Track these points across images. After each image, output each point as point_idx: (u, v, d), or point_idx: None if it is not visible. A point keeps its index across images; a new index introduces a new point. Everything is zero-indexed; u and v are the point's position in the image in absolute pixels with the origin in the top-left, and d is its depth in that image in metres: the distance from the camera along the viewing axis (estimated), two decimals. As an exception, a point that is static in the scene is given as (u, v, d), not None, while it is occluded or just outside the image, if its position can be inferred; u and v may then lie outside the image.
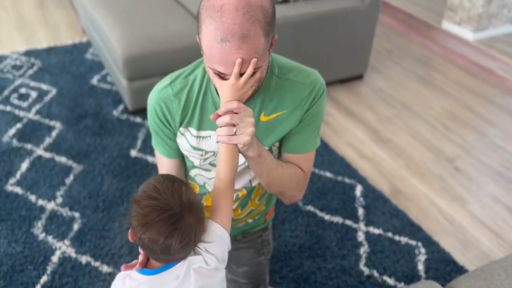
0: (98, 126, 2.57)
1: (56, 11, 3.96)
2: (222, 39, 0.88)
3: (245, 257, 1.43)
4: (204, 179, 1.25)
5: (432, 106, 2.85)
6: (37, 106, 2.72)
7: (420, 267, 1.85)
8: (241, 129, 0.95)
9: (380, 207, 2.11)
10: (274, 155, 1.19)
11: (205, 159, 1.18)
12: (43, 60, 3.17)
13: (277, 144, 1.18)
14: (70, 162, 2.31)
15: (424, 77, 3.16)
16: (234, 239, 1.40)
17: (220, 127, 0.96)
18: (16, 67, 3.10)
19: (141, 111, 2.67)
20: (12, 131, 2.52)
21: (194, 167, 1.23)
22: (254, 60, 0.92)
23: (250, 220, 1.38)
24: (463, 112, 2.80)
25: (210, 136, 1.14)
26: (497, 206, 2.16)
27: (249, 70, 0.93)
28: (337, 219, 2.04)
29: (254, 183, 1.25)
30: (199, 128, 1.13)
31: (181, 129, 1.14)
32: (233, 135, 0.95)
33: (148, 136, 2.51)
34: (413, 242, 1.95)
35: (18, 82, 2.94)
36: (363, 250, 1.91)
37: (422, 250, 1.92)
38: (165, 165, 1.23)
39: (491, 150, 2.50)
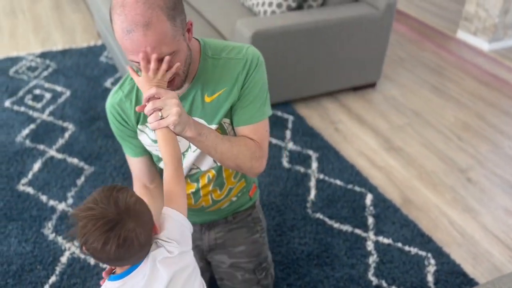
0: (110, 129, 2.58)
1: (72, 14, 4.01)
2: (128, 30, 0.94)
3: (240, 237, 1.47)
4: None
5: (445, 116, 2.82)
6: (51, 108, 2.75)
7: (430, 278, 1.82)
8: (166, 112, 0.98)
9: (391, 216, 2.09)
10: (229, 132, 1.23)
11: None
12: (58, 62, 3.21)
13: (227, 121, 1.22)
14: (81, 164, 2.33)
15: (437, 86, 3.13)
16: (225, 221, 1.46)
17: (149, 115, 1.00)
18: (32, 69, 3.14)
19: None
20: (25, 131, 2.55)
21: (160, 160, 1.28)
22: (167, 58, 0.98)
23: (233, 198, 1.42)
24: (477, 122, 2.77)
25: None
26: (509, 219, 2.12)
27: (163, 66, 0.98)
28: (347, 228, 2.02)
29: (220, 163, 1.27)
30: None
31: (139, 126, 1.21)
32: (161, 119, 0.98)
33: (159, 140, 2.52)
34: (423, 253, 1.92)
35: (33, 83, 2.98)
36: (372, 259, 1.89)
37: (432, 261, 1.89)
38: (134, 164, 1.30)
39: (505, 162, 2.46)
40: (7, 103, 2.78)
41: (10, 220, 2.01)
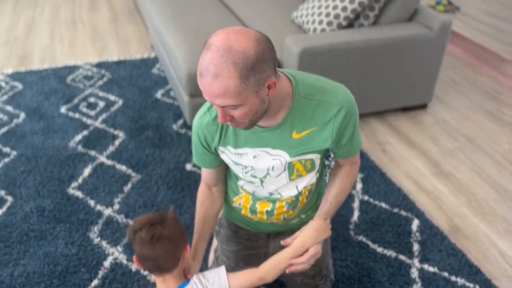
0: (158, 138, 2.65)
1: (128, 26, 4.17)
2: (201, 74, 1.01)
3: None
4: (252, 188, 1.37)
5: (499, 143, 2.70)
6: (104, 115, 2.85)
7: (478, 313, 1.73)
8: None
9: (437, 244, 2.01)
10: (318, 164, 1.31)
11: (246, 173, 1.31)
12: (112, 72, 3.34)
13: (318, 156, 1.28)
14: (129, 171, 2.39)
15: (492, 111, 3.01)
16: (292, 232, 1.46)
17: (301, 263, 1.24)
18: (88, 77, 3.28)
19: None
20: (78, 137, 2.65)
21: (240, 178, 1.37)
22: None
23: (303, 216, 1.48)
24: (534, 151, 2.64)
25: (246, 153, 1.26)
26: None
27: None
28: (390, 253, 1.96)
29: (300, 189, 1.36)
30: (236, 146, 1.26)
31: (220, 147, 1.28)
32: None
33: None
34: (470, 285, 1.83)
35: (88, 91, 3.11)
36: (416, 288, 1.82)
37: (481, 294, 1.80)
38: (204, 171, 1.43)
39: None
40: (63, 109, 2.91)
41: (59, 222, 2.09)
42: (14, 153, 2.52)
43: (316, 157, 1.27)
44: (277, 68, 1.11)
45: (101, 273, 1.85)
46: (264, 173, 1.29)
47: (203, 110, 1.28)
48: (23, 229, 2.05)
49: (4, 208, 2.16)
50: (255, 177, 1.31)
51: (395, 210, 2.18)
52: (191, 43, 2.67)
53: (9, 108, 2.92)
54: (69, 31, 4.07)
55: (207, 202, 1.44)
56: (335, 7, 2.60)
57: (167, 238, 1.15)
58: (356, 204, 2.21)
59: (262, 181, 1.32)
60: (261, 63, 1.01)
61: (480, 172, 2.47)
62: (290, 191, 1.35)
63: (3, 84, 3.18)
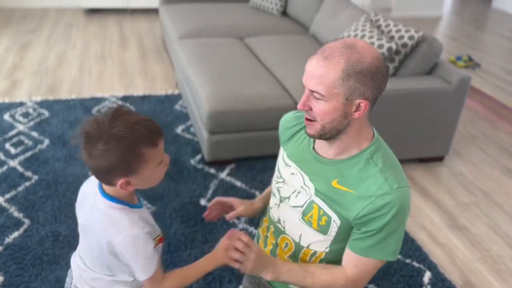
0: (175, 172, 2.70)
1: (156, 65, 4.33)
2: (314, 54, 1.07)
3: None
4: (271, 203, 1.33)
5: (517, 200, 2.68)
6: (124, 147, 2.92)
7: None
8: (246, 260, 1.16)
9: (449, 298, 1.97)
10: (332, 234, 1.19)
11: (276, 182, 1.29)
12: (137, 106, 3.45)
13: (338, 222, 1.16)
14: (144, 202, 2.43)
15: (510, 168, 2.99)
16: None
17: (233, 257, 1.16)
18: (112, 110, 3.38)
19: (217, 163, 2.77)
20: (98, 166, 2.71)
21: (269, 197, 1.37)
22: None
23: None
24: (552, 210, 2.60)
25: (290, 166, 1.24)
26: None
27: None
28: (401, 303, 1.93)
29: (302, 242, 1.26)
30: (289, 157, 1.26)
31: (282, 146, 1.30)
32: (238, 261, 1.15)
33: (218, 187, 2.59)
34: None
35: (111, 123, 3.20)
36: None
37: None
38: None
39: None
40: (86, 139, 2.99)
41: (72, 248, 2.07)
42: (35, 177, 2.59)
43: (335, 220, 1.16)
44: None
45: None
46: (289, 194, 1.25)
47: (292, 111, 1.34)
48: (37, 252, 2.08)
49: (21, 231, 2.20)
50: (279, 192, 1.27)
51: (408, 260, 2.16)
52: (215, 83, 2.77)
53: (34, 133, 3.02)
54: (98, 65, 4.24)
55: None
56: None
57: (95, 161, 1.00)
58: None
59: (281, 201, 1.27)
60: (368, 75, 1.02)
61: (496, 228, 2.44)
62: (293, 231, 1.25)
63: (31, 110, 3.31)
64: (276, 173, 1.31)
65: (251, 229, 2.31)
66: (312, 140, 1.22)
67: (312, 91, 1.06)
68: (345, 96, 1.04)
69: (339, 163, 1.14)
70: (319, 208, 1.17)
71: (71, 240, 2.15)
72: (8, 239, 2.15)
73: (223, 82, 2.78)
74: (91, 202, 1.12)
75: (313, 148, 1.21)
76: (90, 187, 1.16)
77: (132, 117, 1.03)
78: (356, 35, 2.76)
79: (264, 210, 1.39)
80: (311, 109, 1.08)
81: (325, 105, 1.05)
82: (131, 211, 1.10)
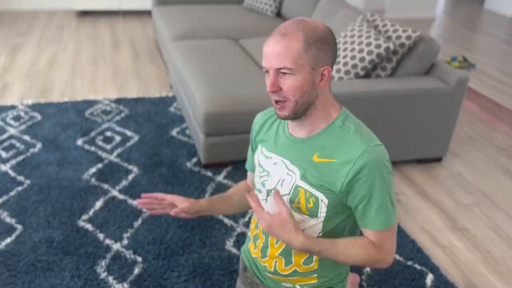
0: (171, 175, 2.65)
1: (149, 66, 4.28)
2: (269, 37, 1.11)
3: None
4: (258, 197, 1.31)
5: (516, 200, 2.66)
6: (119, 150, 2.87)
7: None
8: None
9: (453, 301, 1.94)
10: (321, 215, 1.18)
11: (260, 177, 1.28)
12: (130, 109, 3.39)
13: (325, 201, 1.16)
14: (140, 206, 2.38)
15: (509, 168, 2.98)
16: None
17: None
18: (106, 112, 3.33)
19: (213, 166, 2.73)
20: (93, 170, 2.66)
21: (254, 186, 1.36)
22: None
23: (298, 286, 1.30)
24: (551, 210, 2.58)
25: (271, 158, 1.25)
26: None
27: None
28: (404, 307, 1.89)
29: None
30: (269, 149, 1.27)
31: (259, 144, 1.31)
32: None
33: (215, 190, 2.54)
34: None
35: (105, 126, 3.15)
36: None
37: None
38: (249, 177, 1.44)
39: None
40: (79, 142, 2.94)
41: (67, 254, 2.06)
42: (27, 182, 2.53)
43: (322, 199, 1.16)
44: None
45: (105, 310, 1.80)
46: (274, 184, 1.24)
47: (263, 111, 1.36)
48: (31, 259, 2.02)
49: (13, 237, 2.14)
50: (263, 186, 1.27)
51: (409, 263, 2.12)
52: (210, 84, 2.72)
53: (26, 137, 2.96)
54: (90, 67, 4.18)
55: (243, 187, 1.45)
56: (353, 57, 2.65)
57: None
58: (369, 254, 2.15)
59: (268, 194, 1.26)
60: (325, 42, 1.10)
61: (496, 229, 2.42)
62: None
63: (22, 114, 3.24)
64: (258, 169, 1.31)
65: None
66: (286, 126, 1.25)
67: (279, 69, 1.09)
68: (310, 66, 1.09)
69: (315, 138, 1.18)
70: (305, 190, 1.18)
71: (65, 246, 2.10)
72: (0, 246, 2.09)
73: (218, 83, 2.74)
74: None
75: (289, 133, 1.24)
76: None
77: None
78: (353, 35, 2.73)
79: (209, 210, 1.37)
80: (281, 89, 1.11)
81: (295, 79, 1.09)
82: None
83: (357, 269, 2.06)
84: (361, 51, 2.63)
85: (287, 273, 1.29)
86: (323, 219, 1.19)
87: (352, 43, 2.70)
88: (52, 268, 1.98)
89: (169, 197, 1.35)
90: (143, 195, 1.29)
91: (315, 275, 1.28)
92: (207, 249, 2.14)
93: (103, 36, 5.01)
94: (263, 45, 1.13)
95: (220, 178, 2.67)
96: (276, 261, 1.29)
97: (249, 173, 1.46)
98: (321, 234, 1.21)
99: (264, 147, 1.30)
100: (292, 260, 1.27)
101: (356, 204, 1.15)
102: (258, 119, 1.37)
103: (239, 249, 2.15)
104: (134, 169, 2.69)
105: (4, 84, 3.74)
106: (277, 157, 1.24)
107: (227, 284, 1.96)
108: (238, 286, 1.50)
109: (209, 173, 2.70)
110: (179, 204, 1.34)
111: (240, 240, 2.22)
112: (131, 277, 1.96)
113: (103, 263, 2.02)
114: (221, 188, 2.57)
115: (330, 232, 1.22)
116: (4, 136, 2.96)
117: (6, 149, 2.82)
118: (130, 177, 2.62)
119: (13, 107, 3.32)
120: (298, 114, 1.14)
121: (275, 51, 1.08)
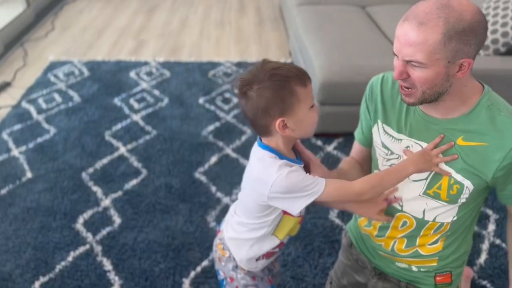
0: (283, 140, 2.70)
1: (271, 32, 4.34)
2: (405, 18, 0.97)
3: None
4: None
5: None
6: (235, 111, 3.00)
7: None
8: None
9: None
10: (463, 202, 1.11)
11: (387, 160, 1.19)
12: (250, 72, 3.49)
13: (471, 188, 1.08)
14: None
15: None
16: (397, 283, 1.30)
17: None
18: (227, 74, 3.48)
19: (324, 135, 2.72)
20: (211, 127, 2.82)
21: (375, 166, 1.25)
22: None
23: (414, 268, 1.26)
24: None
25: (401, 140, 1.15)
26: None
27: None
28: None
29: (427, 217, 1.16)
30: (398, 130, 1.17)
31: (379, 121, 1.21)
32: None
33: (324, 160, 2.54)
34: None
35: (225, 87, 3.30)
36: None
37: None
38: (354, 145, 1.36)
39: None
40: (201, 100, 3.12)
41: (182, 201, 2.24)
42: (154, 132, 2.77)
43: (468, 186, 1.08)
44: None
45: (211, 256, 1.94)
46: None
47: (381, 74, 1.23)
48: (151, 200, 2.24)
49: (139, 179, 2.39)
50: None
51: None
52: (330, 53, 2.68)
53: (156, 92, 3.22)
54: (217, 30, 4.36)
55: (354, 165, 1.33)
56: (494, 31, 2.41)
57: (252, 102, 1.03)
58: (485, 246, 2.01)
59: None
60: (470, 33, 0.94)
61: None
62: (414, 207, 1.16)
63: (154, 70, 3.52)
64: (382, 150, 1.20)
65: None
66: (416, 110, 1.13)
67: (409, 61, 0.98)
68: (447, 60, 0.96)
69: (457, 121, 1.07)
70: (450, 177, 1.09)
71: (181, 194, 2.28)
72: (127, 186, 2.34)
73: (339, 52, 2.69)
74: (252, 156, 1.17)
75: (421, 111, 1.12)
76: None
77: (279, 62, 1.07)
78: (497, 7, 2.47)
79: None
80: (409, 76, 1.01)
81: (425, 71, 0.98)
82: (288, 163, 1.08)
83: (469, 261, 1.94)
84: (504, 24, 2.38)
85: (407, 253, 1.25)
86: (461, 204, 1.12)
87: (495, 15, 2.45)
88: (169, 211, 2.17)
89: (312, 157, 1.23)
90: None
91: (437, 258, 1.24)
92: (311, 216, 2.17)
93: (231, 1, 5.17)
94: (398, 24, 1.00)
95: (330, 148, 2.66)
96: (395, 241, 1.24)
97: (357, 145, 1.34)
98: (455, 218, 1.15)
99: (388, 126, 1.18)
100: (416, 243, 1.22)
101: (506, 187, 1.08)
102: (376, 85, 1.22)
103: (342, 220, 2.15)
104: (248, 131, 2.79)
105: (140, 42, 4.08)
106: (411, 140, 1.14)
107: (327, 252, 1.98)
108: (341, 260, 1.47)
109: (319, 142, 2.70)
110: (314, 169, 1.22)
111: (344, 212, 2.21)
112: (237, 230, 2.07)
113: (213, 213, 2.17)
114: (329, 159, 2.57)
115: (464, 217, 1.16)
116: (137, 89, 3.26)
117: (138, 101, 3.10)
118: (243, 137, 2.73)
119: (146, 63, 3.63)
120: (426, 102, 1.05)
121: (408, 39, 0.95)
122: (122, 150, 2.61)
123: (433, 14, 0.93)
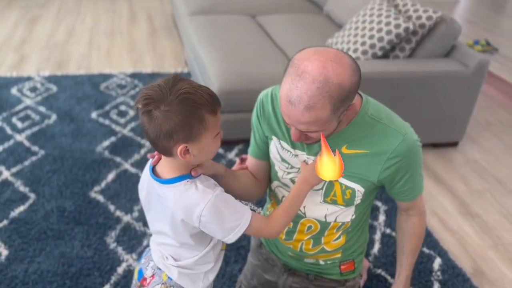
0: (183, 151, 2.65)
1: (165, 41, 4.26)
2: (290, 102, 0.96)
3: None
4: (283, 193, 1.30)
5: (531, 188, 2.61)
6: (132, 124, 2.89)
7: None
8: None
9: (459, 285, 1.93)
10: (358, 201, 1.22)
11: (288, 173, 1.25)
12: (145, 83, 3.40)
13: (361, 189, 1.19)
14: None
15: (526, 155, 2.92)
16: (306, 276, 1.40)
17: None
18: (121, 86, 3.34)
19: (225, 143, 2.73)
20: (106, 143, 2.69)
21: (275, 179, 1.30)
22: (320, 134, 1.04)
23: (321, 262, 1.37)
24: None
25: (298, 156, 1.21)
26: None
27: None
28: (409, 290, 1.89)
29: (329, 220, 1.26)
30: (293, 147, 1.21)
31: (274, 137, 1.24)
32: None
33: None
34: (493, 333, 1.74)
35: (120, 99, 3.16)
36: (434, 329, 1.74)
37: None
38: (248, 159, 1.37)
39: None
40: (93, 115, 2.96)
41: (78, 224, 2.10)
42: (42, 152, 2.57)
43: (359, 190, 1.18)
44: None
45: (113, 279, 1.84)
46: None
47: (270, 88, 1.27)
48: (42, 227, 2.07)
49: (26, 205, 2.19)
50: (293, 182, 1.24)
51: (418, 246, 2.11)
52: (225, 61, 2.70)
53: (42, 108, 2.99)
54: (107, 40, 4.18)
55: (248, 179, 1.33)
56: (371, 37, 2.59)
57: (156, 123, 0.97)
58: (377, 236, 2.15)
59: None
60: (352, 94, 0.99)
61: (508, 216, 2.38)
62: (316, 213, 1.25)
63: (38, 85, 3.27)
64: (282, 164, 1.26)
65: (259, 210, 2.27)
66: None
67: (305, 132, 1.04)
68: (338, 119, 1.03)
69: (341, 134, 1.15)
70: (340, 184, 1.18)
71: (76, 216, 2.14)
72: (14, 213, 2.14)
73: (233, 60, 2.72)
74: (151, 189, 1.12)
75: None
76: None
77: (192, 83, 1.00)
78: (372, 14, 2.67)
79: (221, 178, 1.24)
80: (307, 137, 1.08)
81: (322, 131, 1.04)
82: (193, 181, 1.06)
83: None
84: (379, 30, 2.57)
85: (314, 252, 1.35)
86: (357, 204, 1.24)
87: (371, 22, 2.64)
88: (63, 237, 2.02)
89: None
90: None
91: (340, 251, 1.36)
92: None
93: (121, 10, 5.00)
94: (281, 101, 0.99)
95: (231, 155, 2.67)
96: (302, 243, 1.33)
97: (252, 159, 1.35)
98: (354, 216, 1.27)
99: (284, 142, 1.23)
100: (322, 241, 1.32)
101: (393, 186, 1.20)
102: (266, 103, 1.25)
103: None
104: (147, 144, 2.70)
105: (22, 56, 3.77)
106: (303, 154, 1.20)
107: (233, 259, 1.98)
108: (250, 261, 1.52)
109: (220, 150, 2.70)
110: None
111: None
112: (140, 248, 1.99)
113: (113, 234, 2.06)
114: (232, 166, 2.58)
115: (360, 213, 1.29)
116: (20, 106, 3.00)
117: (22, 120, 2.86)
118: (142, 151, 2.64)
119: (29, 78, 3.36)
120: None
121: (299, 120, 0.99)
122: (6, 174, 2.38)
123: (316, 96, 0.94)
